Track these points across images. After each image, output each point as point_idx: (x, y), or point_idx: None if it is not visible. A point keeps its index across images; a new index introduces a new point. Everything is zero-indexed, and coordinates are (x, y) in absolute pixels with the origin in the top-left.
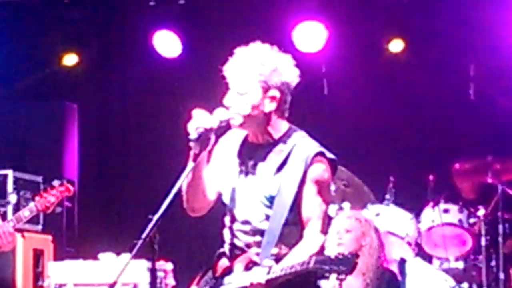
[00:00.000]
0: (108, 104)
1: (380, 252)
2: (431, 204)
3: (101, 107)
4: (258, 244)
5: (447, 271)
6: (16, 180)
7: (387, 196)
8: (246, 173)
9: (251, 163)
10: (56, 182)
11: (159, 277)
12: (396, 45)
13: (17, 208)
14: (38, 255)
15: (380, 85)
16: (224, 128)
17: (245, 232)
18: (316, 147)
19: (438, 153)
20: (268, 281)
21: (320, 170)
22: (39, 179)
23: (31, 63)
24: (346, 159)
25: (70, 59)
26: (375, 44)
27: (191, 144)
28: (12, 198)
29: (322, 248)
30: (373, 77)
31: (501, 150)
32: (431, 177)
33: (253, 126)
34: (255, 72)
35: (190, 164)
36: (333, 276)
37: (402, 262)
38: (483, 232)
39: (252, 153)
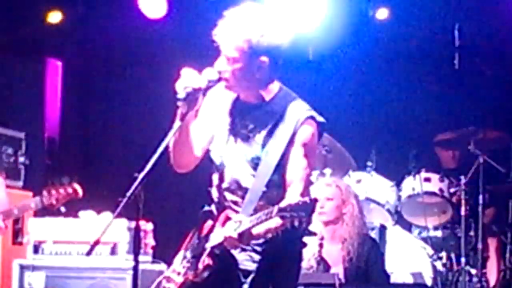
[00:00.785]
0: (92, 62)
1: (361, 219)
2: (412, 172)
3: (84, 65)
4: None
5: (426, 239)
6: None
7: (369, 164)
8: (236, 133)
9: (242, 123)
10: (65, 180)
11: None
12: (382, 13)
13: None
14: None
15: (365, 53)
16: (212, 88)
17: (233, 192)
18: (307, 110)
19: (421, 122)
20: (240, 235)
21: (309, 133)
22: (21, 135)
23: (15, 20)
24: (329, 126)
25: (54, 17)
26: (362, 11)
27: (179, 103)
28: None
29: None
30: (358, 45)
31: (484, 120)
32: (412, 146)
33: (245, 89)
34: (244, 36)
35: (177, 123)
36: (314, 242)
37: (382, 229)
38: (463, 201)
39: (243, 113)
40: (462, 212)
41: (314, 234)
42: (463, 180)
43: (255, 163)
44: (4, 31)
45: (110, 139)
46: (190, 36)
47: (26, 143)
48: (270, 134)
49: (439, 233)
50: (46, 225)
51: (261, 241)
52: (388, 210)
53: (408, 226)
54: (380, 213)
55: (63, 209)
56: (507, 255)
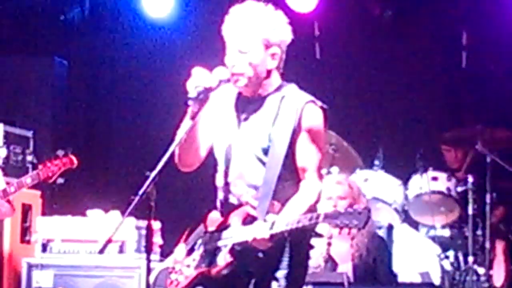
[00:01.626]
0: (99, 61)
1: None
2: (419, 171)
3: (91, 64)
4: (253, 199)
5: (433, 238)
6: (6, 134)
7: (376, 162)
8: (241, 128)
9: (243, 117)
10: (60, 152)
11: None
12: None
13: (6, 162)
14: (26, 210)
15: (372, 51)
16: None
17: (240, 187)
18: (306, 96)
19: (429, 121)
20: (271, 236)
21: (313, 117)
22: (29, 134)
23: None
24: (335, 124)
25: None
26: (368, 8)
27: (190, 102)
28: (2, 152)
29: (319, 198)
30: (365, 43)
31: (491, 119)
32: (420, 145)
33: (255, 84)
34: (257, 30)
35: (188, 122)
36: (323, 240)
37: (389, 228)
38: (470, 200)
39: (245, 108)
40: (470, 211)
41: (321, 235)
42: (470, 179)
43: (262, 156)
44: (12, 30)
45: (117, 138)
46: (195, 35)
47: (34, 142)
48: (273, 123)
49: (446, 232)
50: (54, 223)
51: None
52: (396, 209)
53: (415, 225)
54: (387, 212)
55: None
56: None
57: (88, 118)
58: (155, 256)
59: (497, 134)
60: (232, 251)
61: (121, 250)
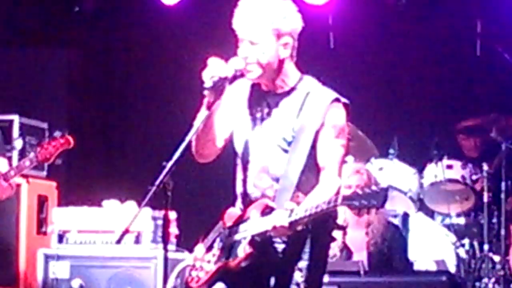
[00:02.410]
0: (113, 51)
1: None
2: (434, 159)
3: (106, 54)
4: (275, 192)
5: (448, 226)
6: (21, 126)
7: (391, 151)
8: (262, 120)
9: (265, 110)
10: (57, 133)
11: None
12: None
13: (22, 153)
14: (42, 201)
15: (386, 40)
16: (239, 77)
17: (262, 180)
18: (331, 93)
19: (443, 110)
20: (290, 223)
21: (338, 115)
22: (45, 125)
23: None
24: (350, 113)
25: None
26: None
27: (205, 92)
28: (18, 143)
29: (338, 192)
30: (379, 32)
31: (506, 107)
32: (435, 134)
33: (269, 75)
34: (267, 20)
35: (204, 112)
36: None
37: (405, 217)
38: (485, 188)
39: (265, 101)
40: (485, 199)
41: (343, 227)
42: (485, 167)
43: (284, 146)
44: (26, 22)
45: (133, 128)
46: (210, 24)
47: (50, 133)
48: (297, 116)
49: (461, 220)
50: (70, 214)
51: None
52: (411, 198)
53: (430, 214)
54: (402, 201)
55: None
56: None
57: (103, 108)
58: (171, 247)
59: None
60: (252, 242)
61: (137, 241)
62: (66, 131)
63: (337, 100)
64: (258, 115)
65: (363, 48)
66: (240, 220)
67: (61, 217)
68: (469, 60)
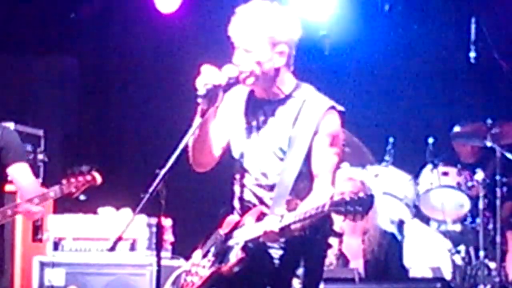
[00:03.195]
0: (109, 58)
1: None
2: (430, 166)
3: (101, 62)
4: (271, 199)
5: (444, 233)
6: (17, 133)
7: (386, 158)
8: (258, 128)
9: (261, 118)
10: (85, 168)
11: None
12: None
13: None
14: None
15: (381, 47)
16: (232, 85)
17: (260, 187)
18: (327, 101)
19: (438, 116)
20: (281, 229)
21: (332, 123)
22: (40, 132)
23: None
24: (345, 120)
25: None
26: (376, 4)
27: (199, 100)
28: None
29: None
30: (374, 38)
31: (501, 113)
32: (430, 140)
33: (264, 83)
34: (262, 29)
35: (198, 120)
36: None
37: (400, 223)
38: (481, 195)
39: (261, 109)
40: (480, 206)
41: (340, 234)
42: (480, 174)
43: (280, 154)
44: (23, 29)
45: (128, 136)
46: (207, 32)
47: (45, 141)
48: (293, 125)
49: (457, 227)
50: (65, 222)
51: (284, 239)
52: (406, 204)
53: (426, 220)
54: (398, 207)
55: (82, 197)
56: None
57: (99, 116)
58: (166, 254)
59: (507, 128)
60: (244, 247)
61: (132, 248)
62: (95, 166)
63: (332, 108)
64: (254, 123)
65: (358, 55)
66: (236, 226)
67: (57, 224)
68: (464, 67)
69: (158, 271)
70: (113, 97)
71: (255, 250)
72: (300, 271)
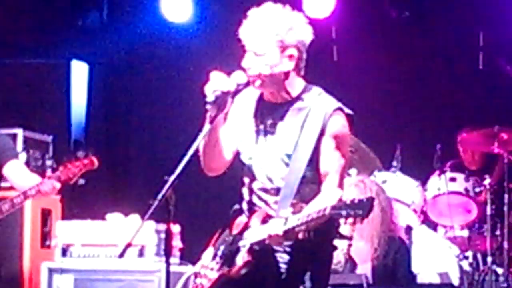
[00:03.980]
0: (118, 64)
1: (388, 218)
2: (437, 172)
3: (110, 67)
4: (276, 202)
5: (452, 239)
6: (25, 139)
7: (394, 164)
8: (265, 133)
9: (269, 122)
10: (80, 154)
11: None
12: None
13: (26, 167)
14: (46, 215)
15: (389, 53)
16: (241, 91)
17: (266, 191)
18: (334, 102)
19: (445, 122)
20: (285, 232)
21: (338, 124)
22: (49, 138)
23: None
24: (353, 126)
25: (78, 19)
26: (385, 11)
27: (208, 106)
28: (22, 157)
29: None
30: (382, 45)
31: (508, 120)
32: (438, 146)
33: (273, 86)
34: (272, 32)
35: (207, 126)
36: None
37: (408, 229)
38: (488, 201)
39: (270, 112)
40: (488, 212)
41: (346, 237)
42: (488, 180)
43: (287, 160)
44: (30, 34)
45: (136, 141)
46: (215, 39)
47: (53, 147)
48: (300, 129)
49: (465, 233)
50: (74, 228)
51: (290, 242)
52: (414, 210)
53: (433, 226)
54: (406, 213)
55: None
56: None
57: (107, 121)
58: (175, 260)
59: None
60: (250, 250)
61: (141, 254)
62: (91, 150)
63: (339, 109)
64: (262, 127)
65: (366, 61)
66: (244, 228)
67: (65, 230)
68: (471, 73)
69: (168, 277)
70: (122, 103)
71: (261, 253)
72: (306, 276)
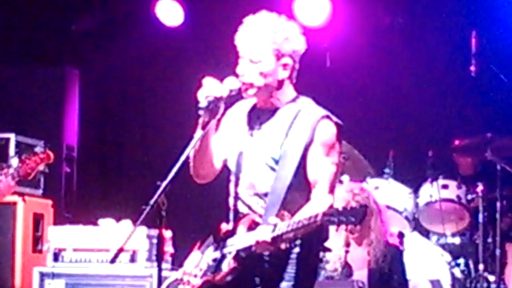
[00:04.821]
0: (110, 70)
1: (383, 226)
2: (429, 179)
3: (102, 73)
4: (263, 208)
5: (444, 246)
6: (18, 144)
7: (386, 170)
8: (254, 139)
9: (256, 126)
10: (38, 149)
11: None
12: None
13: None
14: (38, 219)
15: (382, 60)
16: (234, 97)
17: (250, 196)
18: (321, 111)
19: (438, 129)
20: (273, 239)
21: (327, 132)
22: (41, 143)
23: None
24: (346, 133)
25: (72, 25)
26: (378, 17)
27: (200, 112)
28: (14, 161)
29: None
30: (375, 51)
31: (501, 127)
32: (430, 153)
33: (265, 94)
34: (268, 40)
35: (199, 132)
36: (339, 245)
37: (400, 236)
38: (480, 208)
39: (258, 118)
40: (480, 219)
41: (330, 250)
42: (480, 187)
43: (272, 164)
44: (23, 40)
45: (129, 147)
46: (208, 44)
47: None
48: (286, 131)
49: (457, 240)
50: (66, 233)
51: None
52: (406, 217)
53: (425, 233)
54: (398, 220)
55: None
56: None
57: (99, 127)
58: (166, 265)
59: (507, 141)
60: (236, 257)
61: (132, 259)
62: (47, 145)
63: (326, 117)
64: (249, 131)
65: (359, 67)
66: (229, 234)
67: (57, 235)
68: (464, 80)
69: (159, 282)
70: (114, 109)
71: (248, 260)
72: (284, 285)
